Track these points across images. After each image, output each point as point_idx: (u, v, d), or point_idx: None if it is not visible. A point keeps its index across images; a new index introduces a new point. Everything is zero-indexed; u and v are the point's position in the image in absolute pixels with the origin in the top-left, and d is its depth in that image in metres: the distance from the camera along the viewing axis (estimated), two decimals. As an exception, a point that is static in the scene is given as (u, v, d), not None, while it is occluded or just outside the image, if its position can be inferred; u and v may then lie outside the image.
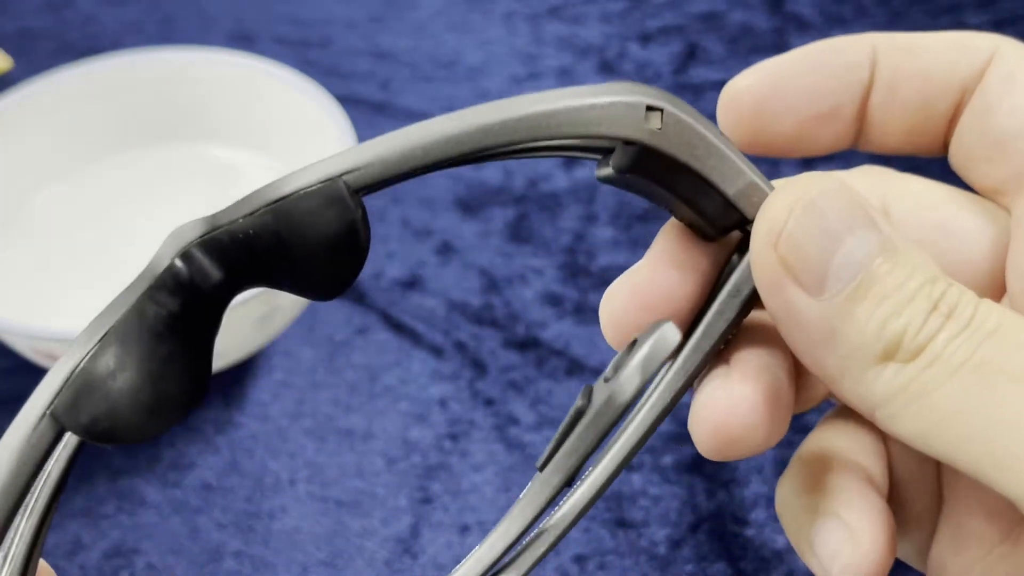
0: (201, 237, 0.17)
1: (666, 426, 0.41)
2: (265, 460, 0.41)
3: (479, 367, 0.44)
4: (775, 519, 0.38)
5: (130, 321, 0.17)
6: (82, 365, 0.17)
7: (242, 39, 0.60)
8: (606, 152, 0.19)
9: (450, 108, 0.55)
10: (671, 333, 0.19)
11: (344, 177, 0.18)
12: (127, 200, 0.49)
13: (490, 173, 0.52)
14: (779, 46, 0.59)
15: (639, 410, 0.21)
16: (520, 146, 0.18)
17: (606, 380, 0.20)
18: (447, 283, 0.47)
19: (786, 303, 0.19)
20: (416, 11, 0.62)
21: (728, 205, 0.19)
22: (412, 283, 0.47)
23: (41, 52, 0.60)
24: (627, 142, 0.18)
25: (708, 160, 0.19)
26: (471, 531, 0.39)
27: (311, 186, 0.18)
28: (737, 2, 0.62)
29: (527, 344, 0.45)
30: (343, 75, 0.58)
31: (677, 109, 0.19)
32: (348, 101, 0.54)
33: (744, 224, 0.20)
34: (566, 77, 0.57)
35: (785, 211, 0.18)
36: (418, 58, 0.59)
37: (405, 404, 0.43)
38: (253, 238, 0.17)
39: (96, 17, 0.63)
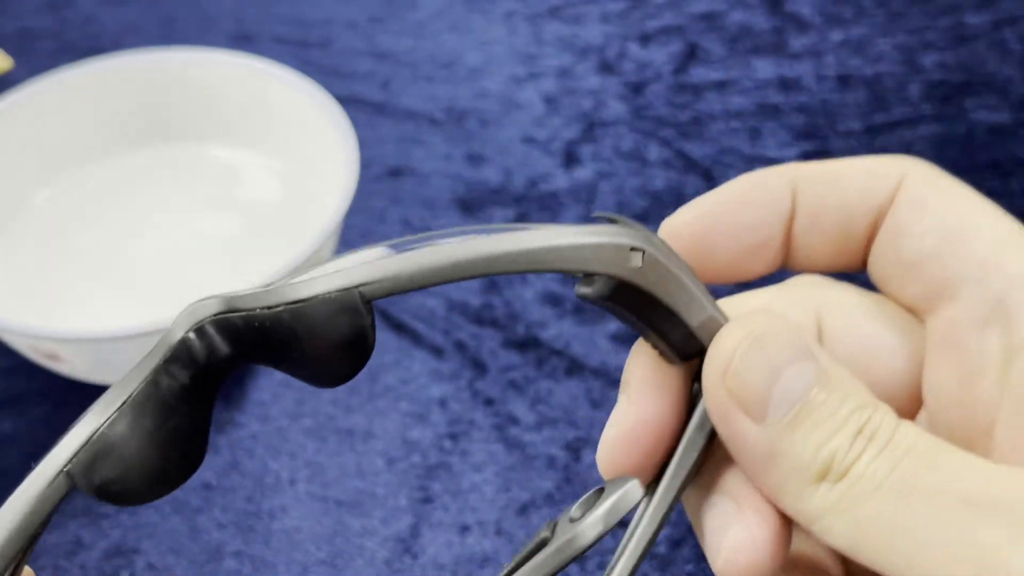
0: (215, 316, 0.19)
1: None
2: (265, 460, 0.41)
3: (479, 367, 0.44)
4: (775, 519, 0.38)
5: (146, 392, 0.19)
6: (101, 431, 0.19)
7: (242, 39, 0.60)
8: (588, 274, 0.21)
9: (450, 108, 0.55)
10: (634, 492, 0.21)
11: (360, 288, 0.19)
12: (127, 200, 0.49)
13: (490, 173, 0.52)
14: (778, 46, 0.59)
15: (625, 546, 0.23)
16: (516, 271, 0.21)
17: (571, 520, 0.22)
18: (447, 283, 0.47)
19: (733, 429, 0.21)
20: (416, 11, 0.62)
21: (691, 335, 0.22)
22: (412, 283, 0.47)
23: (41, 52, 0.60)
24: (610, 276, 0.21)
25: (678, 296, 0.21)
26: (471, 531, 0.39)
27: (329, 293, 0.19)
28: (737, 2, 0.62)
29: (527, 344, 0.45)
30: (343, 75, 0.58)
31: (655, 251, 0.21)
32: (348, 101, 0.54)
33: (704, 352, 0.22)
34: (566, 77, 0.57)
35: (732, 347, 0.21)
36: (418, 58, 0.59)
37: (405, 404, 0.43)
38: (268, 329, 0.19)
39: (96, 17, 0.63)
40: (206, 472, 0.41)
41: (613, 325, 0.45)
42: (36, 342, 0.39)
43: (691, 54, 0.59)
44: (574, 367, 0.44)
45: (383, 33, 0.61)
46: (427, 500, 0.40)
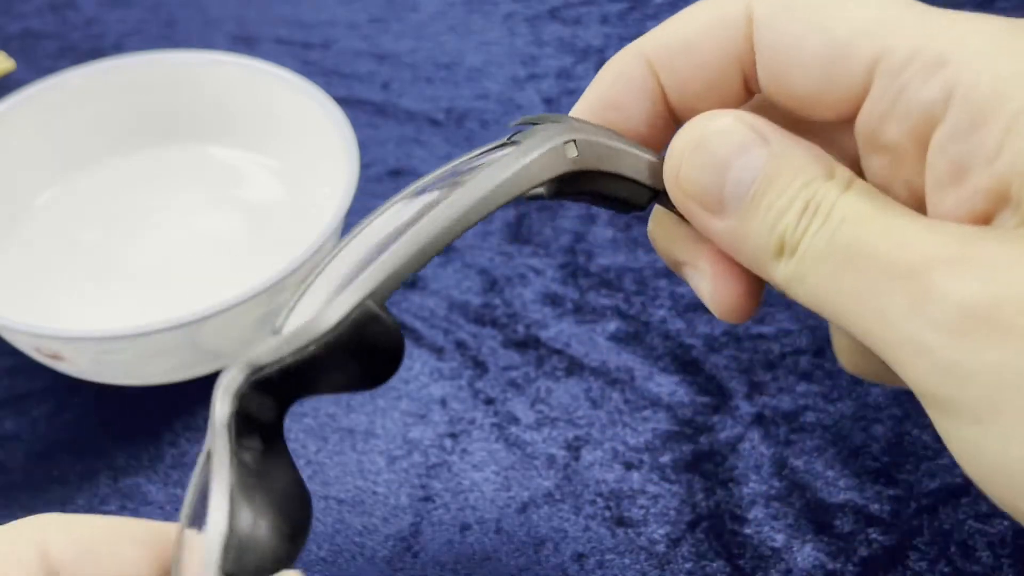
0: (248, 379, 0.20)
1: (664, 425, 0.41)
2: (267, 459, 0.41)
3: (479, 366, 0.44)
4: (773, 517, 0.38)
5: (239, 475, 0.20)
6: (230, 529, 0.20)
7: (244, 41, 0.61)
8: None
9: (451, 109, 0.56)
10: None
11: (370, 298, 0.20)
12: (128, 201, 0.49)
13: (490, 174, 0.52)
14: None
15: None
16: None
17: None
18: (448, 283, 0.47)
19: (700, 224, 0.23)
20: (417, 12, 0.63)
21: (640, 186, 0.24)
22: (413, 283, 0.47)
23: (44, 54, 0.60)
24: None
25: (617, 160, 0.23)
26: (472, 530, 0.39)
27: (348, 315, 0.20)
28: (736, 3, 0.62)
29: (527, 344, 0.45)
30: (344, 76, 0.58)
31: (584, 134, 0.23)
32: (349, 102, 0.55)
33: (656, 195, 0.24)
34: (566, 78, 0.58)
35: (679, 153, 0.22)
36: (419, 59, 0.59)
37: (406, 403, 0.43)
38: (305, 369, 0.20)
39: (99, 19, 0.63)
40: (208, 471, 0.41)
41: (612, 325, 0.45)
42: (39, 341, 0.39)
43: (690, 55, 0.59)
44: (574, 367, 0.44)
45: (383, 34, 0.61)
46: (428, 499, 0.40)
